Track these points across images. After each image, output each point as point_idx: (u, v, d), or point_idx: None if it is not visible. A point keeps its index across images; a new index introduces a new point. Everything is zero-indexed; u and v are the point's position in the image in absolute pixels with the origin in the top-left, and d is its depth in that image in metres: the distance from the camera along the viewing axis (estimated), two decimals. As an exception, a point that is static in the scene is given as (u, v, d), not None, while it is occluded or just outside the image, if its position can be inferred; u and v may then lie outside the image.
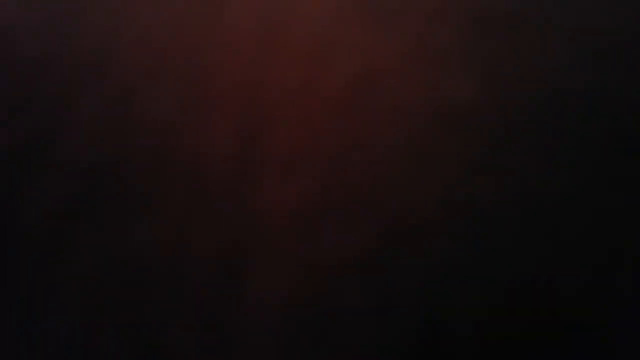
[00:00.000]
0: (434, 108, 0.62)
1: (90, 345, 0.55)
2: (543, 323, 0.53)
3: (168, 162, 0.62)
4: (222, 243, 0.58)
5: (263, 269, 0.57)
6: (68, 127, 0.64)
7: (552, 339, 0.53)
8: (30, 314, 0.56)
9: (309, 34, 0.66)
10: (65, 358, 0.54)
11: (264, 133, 0.62)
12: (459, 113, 0.61)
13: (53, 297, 0.57)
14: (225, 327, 0.55)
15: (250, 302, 0.55)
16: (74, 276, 0.58)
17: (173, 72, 0.66)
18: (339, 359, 0.53)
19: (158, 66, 0.66)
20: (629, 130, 0.60)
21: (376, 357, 0.53)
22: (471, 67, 0.63)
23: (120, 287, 0.57)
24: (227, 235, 0.58)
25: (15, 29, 0.69)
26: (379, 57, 0.64)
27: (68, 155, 0.62)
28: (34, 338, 0.55)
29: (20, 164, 0.62)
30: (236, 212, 0.59)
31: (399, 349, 0.53)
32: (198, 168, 0.61)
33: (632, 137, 0.60)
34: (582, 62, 0.63)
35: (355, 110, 0.62)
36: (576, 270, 0.55)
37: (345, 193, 0.59)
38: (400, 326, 0.54)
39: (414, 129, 0.61)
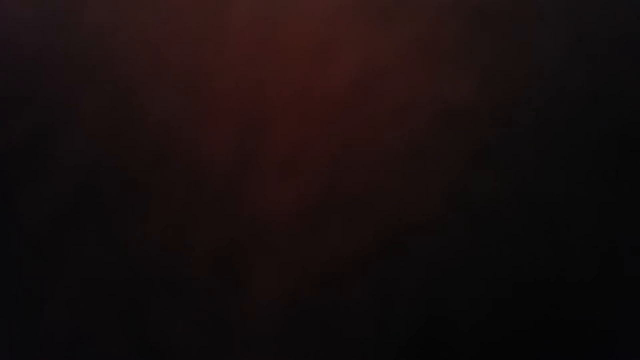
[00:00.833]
0: (434, 107, 0.62)
1: (90, 345, 0.55)
2: (543, 320, 0.53)
3: (168, 162, 0.62)
4: (222, 243, 0.58)
5: (263, 268, 0.57)
6: (68, 127, 0.64)
7: (552, 336, 0.53)
8: (31, 314, 0.56)
9: (309, 34, 0.66)
10: (65, 358, 0.54)
11: (264, 133, 0.62)
12: (459, 112, 0.61)
13: (53, 297, 0.57)
14: (226, 326, 0.55)
15: (250, 301, 0.55)
16: (74, 276, 0.58)
17: (173, 72, 0.66)
18: (340, 357, 0.53)
19: (158, 66, 0.66)
20: (628, 130, 0.60)
21: (377, 355, 0.53)
22: (471, 67, 0.63)
23: (120, 287, 0.57)
24: (227, 235, 0.58)
25: (15, 28, 0.69)
26: (379, 57, 0.64)
27: (68, 155, 0.62)
28: (34, 338, 0.55)
29: (20, 164, 0.63)
30: (236, 212, 0.59)
31: (399, 348, 0.53)
32: (198, 168, 0.61)
33: (631, 137, 0.60)
34: (582, 61, 0.63)
35: (356, 110, 0.62)
36: (576, 268, 0.55)
37: (345, 192, 0.59)
38: (400, 325, 0.54)
39: (415, 128, 0.61)
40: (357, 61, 0.64)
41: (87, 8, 0.70)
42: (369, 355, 0.53)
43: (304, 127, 0.62)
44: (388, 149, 0.60)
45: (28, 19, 0.70)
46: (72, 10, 0.70)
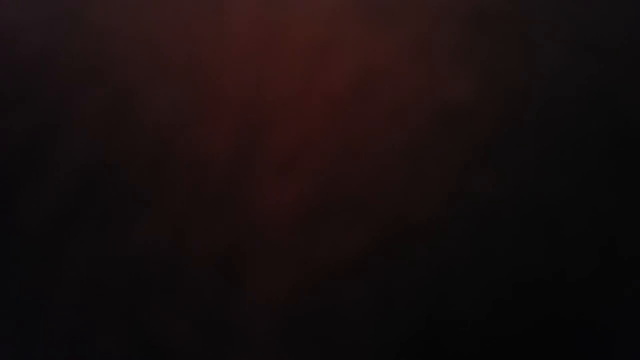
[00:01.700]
0: (434, 108, 0.62)
1: (90, 345, 0.55)
2: (543, 321, 0.53)
3: (168, 162, 0.62)
4: (222, 243, 0.58)
5: (263, 269, 0.57)
6: (68, 127, 0.64)
7: (552, 337, 0.53)
8: (30, 314, 0.56)
9: (308, 35, 0.66)
10: (65, 358, 0.54)
11: (264, 133, 0.62)
12: (459, 113, 0.61)
13: (53, 297, 0.57)
14: (225, 327, 0.55)
15: (250, 302, 0.55)
16: (74, 276, 0.58)
17: (173, 72, 0.66)
18: (339, 358, 0.53)
19: (158, 66, 0.66)
20: (629, 131, 0.60)
21: (377, 356, 0.53)
22: (471, 67, 0.63)
23: (120, 287, 0.57)
24: (227, 235, 0.58)
25: (15, 28, 0.69)
26: (379, 57, 0.64)
27: (68, 155, 0.62)
28: (34, 338, 0.55)
29: (20, 164, 0.62)
30: (236, 212, 0.59)
31: (399, 348, 0.53)
32: (198, 168, 0.61)
33: (631, 137, 0.60)
34: (583, 61, 0.63)
35: (355, 110, 0.62)
36: (576, 269, 0.55)
37: (345, 193, 0.59)
38: (400, 325, 0.54)
39: (414, 128, 0.61)
40: (357, 61, 0.64)
41: (88, 9, 0.70)
42: (368, 356, 0.53)
43: (303, 127, 0.62)
44: (388, 149, 0.60)
45: (28, 19, 0.70)
46: (73, 11, 0.70)
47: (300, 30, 0.66)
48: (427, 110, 0.62)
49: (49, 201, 0.60)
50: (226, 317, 0.55)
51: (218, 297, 0.56)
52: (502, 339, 0.53)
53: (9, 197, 0.61)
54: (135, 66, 0.66)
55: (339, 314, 0.54)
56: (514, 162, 0.59)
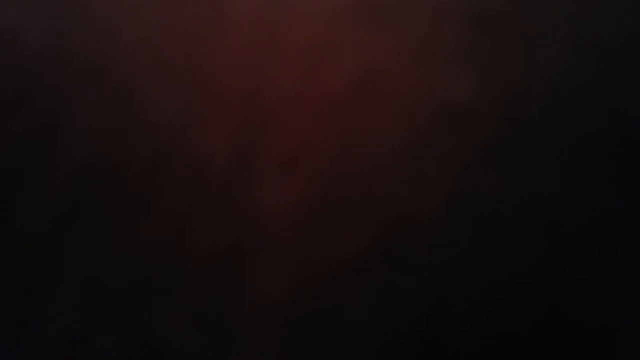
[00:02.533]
0: (434, 107, 0.62)
1: (90, 345, 0.55)
2: (543, 321, 0.53)
3: (168, 162, 0.62)
4: (222, 243, 0.58)
5: (263, 268, 0.57)
6: (68, 127, 0.64)
7: (552, 337, 0.53)
8: (30, 314, 0.56)
9: (308, 35, 0.66)
10: (65, 358, 0.54)
11: (264, 133, 0.62)
12: (459, 112, 0.61)
13: (53, 297, 0.57)
14: (225, 327, 0.55)
15: (250, 302, 0.55)
16: (74, 276, 0.58)
17: (173, 72, 0.66)
18: (339, 358, 0.53)
19: (158, 66, 0.66)
20: (629, 130, 0.60)
21: (377, 356, 0.53)
22: (471, 67, 0.63)
23: (120, 287, 0.57)
24: (227, 235, 0.58)
25: (15, 28, 0.69)
26: (379, 57, 0.64)
27: (68, 155, 0.63)
28: (34, 338, 0.55)
29: (20, 164, 0.63)
30: (236, 212, 0.59)
31: (399, 348, 0.53)
32: (198, 168, 0.61)
33: (631, 137, 0.60)
34: (583, 61, 0.63)
35: (356, 109, 0.62)
36: (576, 269, 0.55)
37: (345, 193, 0.59)
38: (400, 325, 0.54)
39: (414, 128, 0.61)
40: (357, 61, 0.64)
41: (88, 9, 0.70)
42: (369, 355, 0.53)
43: (303, 127, 0.62)
44: (388, 149, 0.60)
45: (28, 19, 0.70)
46: (73, 11, 0.70)
47: (300, 30, 0.66)
48: (427, 110, 0.62)
49: (49, 201, 0.60)
50: (226, 317, 0.55)
51: (218, 298, 0.56)
52: (502, 339, 0.53)
53: (9, 197, 0.61)
54: (135, 66, 0.66)
55: (339, 313, 0.54)
56: (514, 162, 0.59)
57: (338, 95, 0.63)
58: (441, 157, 0.59)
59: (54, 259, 0.58)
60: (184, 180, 0.61)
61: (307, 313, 0.55)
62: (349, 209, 0.58)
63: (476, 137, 0.60)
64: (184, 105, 0.64)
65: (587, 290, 0.54)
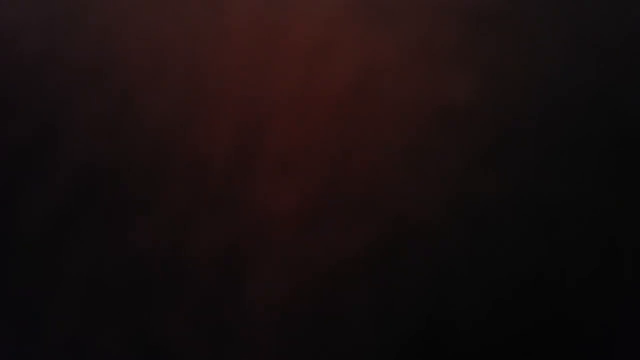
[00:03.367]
0: (434, 107, 0.62)
1: (90, 345, 0.55)
2: (544, 322, 0.53)
3: (168, 162, 0.62)
4: (222, 243, 0.58)
5: (263, 268, 0.57)
6: (68, 127, 0.64)
7: (553, 338, 0.53)
8: (30, 314, 0.56)
9: (308, 35, 0.66)
10: (65, 358, 0.54)
11: (264, 133, 0.62)
12: (460, 113, 0.61)
13: (53, 297, 0.57)
14: (225, 327, 0.55)
15: (250, 302, 0.55)
16: (74, 276, 0.58)
17: (173, 73, 0.66)
18: (339, 358, 0.53)
19: (158, 66, 0.66)
20: (629, 131, 0.60)
21: (377, 356, 0.53)
22: (471, 67, 0.63)
23: (120, 287, 0.57)
24: (227, 235, 0.58)
25: (15, 28, 0.69)
26: (379, 57, 0.64)
27: (68, 155, 0.62)
28: (34, 338, 0.55)
29: (20, 164, 0.62)
30: (236, 212, 0.59)
31: (399, 349, 0.53)
32: (198, 168, 0.61)
33: (632, 137, 0.60)
34: (583, 61, 0.63)
35: (356, 110, 0.62)
36: (576, 269, 0.55)
37: (345, 193, 0.59)
38: (401, 326, 0.54)
39: (415, 128, 0.61)
40: (357, 61, 0.64)
41: (88, 10, 0.70)
42: (369, 356, 0.53)
43: (303, 127, 0.62)
44: (388, 149, 0.60)
45: (28, 19, 0.70)
46: (73, 11, 0.70)
47: (300, 30, 0.66)
48: (427, 110, 0.62)
49: (49, 201, 0.60)
50: (226, 317, 0.55)
51: (218, 298, 0.56)
52: (502, 339, 0.53)
53: (9, 197, 0.61)
54: (135, 66, 0.66)
55: (338, 314, 0.54)
56: (514, 162, 0.59)
57: (338, 96, 0.63)
58: (441, 157, 0.59)
59: (54, 259, 0.58)
60: (184, 180, 0.61)
61: (307, 313, 0.55)
62: (349, 209, 0.58)
63: (476, 137, 0.60)
64: (184, 106, 0.64)
65: (587, 290, 0.54)
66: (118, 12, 0.69)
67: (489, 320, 0.53)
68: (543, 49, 0.64)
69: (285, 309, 0.55)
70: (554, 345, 0.52)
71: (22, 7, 0.71)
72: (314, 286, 0.56)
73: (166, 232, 0.59)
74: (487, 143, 0.60)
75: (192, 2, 0.70)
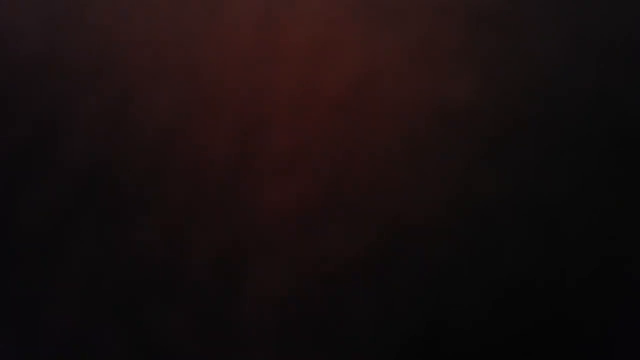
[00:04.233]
0: (435, 108, 0.62)
1: (90, 344, 0.55)
2: (543, 322, 0.53)
3: (168, 162, 0.62)
4: (221, 243, 0.58)
5: (263, 268, 0.57)
6: (68, 127, 0.64)
7: (552, 338, 0.53)
8: (30, 314, 0.56)
9: (309, 35, 0.66)
10: (65, 358, 0.54)
11: (264, 133, 0.62)
12: (459, 112, 0.61)
13: (53, 297, 0.57)
14: (225, 326, 0.55)
15: (250, 302, 0.55)
16: (74, 276, 0.58)
17: (173, 73, 0.66)
18: (339, 358, 0.53)
19: (158, 66, 0.66)
20: (629, 131, 0.60)
21: (377, 356, 0.53)
22: (471, 67, 0.63)
23: (120, 287, 0.57)
24: (227, 235, 0.58)
25: (15, 30, 0.69)
26: (380, 57, 0.64)
27: (67, 156, 0.62)
28: (34, 338, 0.55)
29: (20, 164, 0.63)
30: (236, 212, 0.59)
31: (399, 349, 0.53)
32: (198, 168, 0.61)
33: (632, 137, 0.60)
34: (583, 61, 0.63)
35: (356, 110, 0.62)
36: (576, 270, 0.55)
37: (345, 193, 0.59)
38: (401, 326, 0.54)
39: (415, 128, 0.61)
40: (357, 62, 0.64)
41: (88, 10, 0.70)
42: (369, 356, 0.53)
43: (303, 127, 0.62)
44: (388, 149, 0.60)
45: (28, 19, 0.70)
46: (73, 12, 0.70)
47: (300, 30, 0.66)
48: (427, 110, 0.62)
49: (49, 201, 0.60)
50: (226, 317, 0.55)
51: (218, 297, 0.56)
52: (503, 340, 0.53)
53: (9, 197, 0.61)
54: (135, 67, 0.66)
55: (338, 314, 0.54)
56: (514, 162, 0.59)
57: (338, 96, 0.63)
58: (441, 157, 0.59)
59: (54, 259, 0.58)
60: (184, 180, 0.61)
61: (307, 313, 0.55)
62: (349, 209, 0.58)
63: (476, 137, 0.60)
64: (184, 106, 0.64)
65: (587, 290, 0.54)
66: (118, 12, 0.69)
67: (489, 320, 0.53)
68: (543, 49, 0.64)
69: (285, 308, 0.55)
70: (554, 345, 0.52)
71: (22, 7, 0.71)
72: (314, 286, 0.56)
73: (166, 232, 0.59)
74: (487, 143, 0.60)
75: (192, 2, 0.70)
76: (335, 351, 0.53)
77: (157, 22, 0.68)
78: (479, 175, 0.59)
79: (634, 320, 0.53)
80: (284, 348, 0.54)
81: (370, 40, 0.65)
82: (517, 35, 0.65)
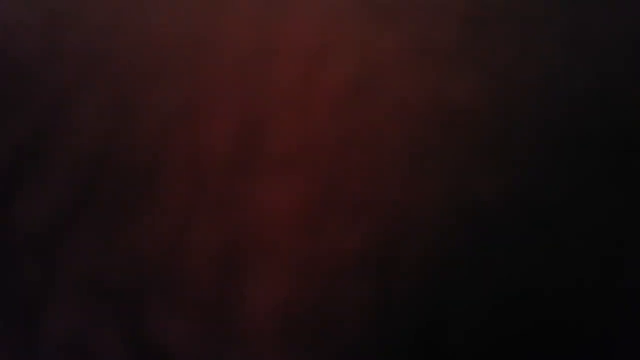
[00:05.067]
0: (435, 107, 0.62)
1: (89, 345, 0.55)
2: (543, 323, 0.53)
3: (168, 162, 0.62)
4: (222, 243, 0.58)
5: (263, 268, 0.57)
6: (68, 127, 0.64)
7: (552, 340, 0.53)
8: (30, 314, 0.56)
9: (308, 34, 0.66)
10: (65, 358, 0.54)
11: (264, 133, 0.62)
12: (460, 112, 0.61)
13: (53, 297, 0.57)
14: (225, 327, 0.55)
15: (250, 302, 0.55)
16: (73, 276, 0.58)
17: (173, 72, 0.66)
18: (339, 358, 0.53)
19: (158, 66, 0.66)
20: (630, 131, 0.60)
21: (377, 356, 0.53)
22: (471, 67, 0.63)
23: (120, 287, 0.57)
24: (227, 235, 0.58)
25: (14, 28, 0.69)
26: (380, 57, 0.64)
27: (67, 155, 0.63)
28: (34, 338, 0.55)
29: (20, 164, 0.63)
30: (236, 212, 0.59)
31: (399, 349, 0.53)
32: (198, 167, 0.61)
33: (632, 137, 0.60)
34: (583, 61, 0.63)
35: (355, 109, 0.62)
36: (577, 271, 0.55)
37: (345, 193, 0.59)
38: (400, 326, 0.54)
39: (414, 128, 0.61)
40: (357, 61, 0.64)
41: (87, 9, 0.70)
42: (369, 356, 0.53)
43: (303, 127, 0.62)
44: (388, 149, 0.60)
45: (27, 18, 0.70)
46: (72, 10, 0.70)
47: (300, 30, 0.66)
48: (427, 110, 0.62)
49: (49, 201, 0.60)
50: (226, 317, 0.55)
51: (218, 297, 0.56)
52: (503, 339, 0.53)
53: (9, 197, 0.61)
54: (135, 66, 0.66)
55: (339, 313, 0.54)
56: (514, 162, 0.59)
57: (338, 95, 0.63)
58: (441, 157, 0.59)
59: (53, 259, 0.58)
60: (184, 180, 0.61)
61: (307, 313, 0.55)
62: (349, 209, 0.58)
63: (476, 137, 0.60)
64: (184, 105, 0.64)
65: (589, 292, 0.54)
66: (118, 11, 0.69)
67: (489, 322, 0.53)
68: (543, 49, 0.64)
69: (285, 308, 0.55)
70: (554, 346, 0.52)
71: (22, 7, 0.71)
72: (314, 286, 0.56)
73: (166, 232, 0.59)
74: (487, 143, 0.60)
75: (192, 2, 0.70)
76: (335, 351, 0.53)
77: (157, 22, 0.68)
78: (479, 174, 0.59)
79: (635, 320, 0.53)
80: (284, 347, 0.54)
81: (370, 40, 0.65)
82: (517, 35, 0.65)
